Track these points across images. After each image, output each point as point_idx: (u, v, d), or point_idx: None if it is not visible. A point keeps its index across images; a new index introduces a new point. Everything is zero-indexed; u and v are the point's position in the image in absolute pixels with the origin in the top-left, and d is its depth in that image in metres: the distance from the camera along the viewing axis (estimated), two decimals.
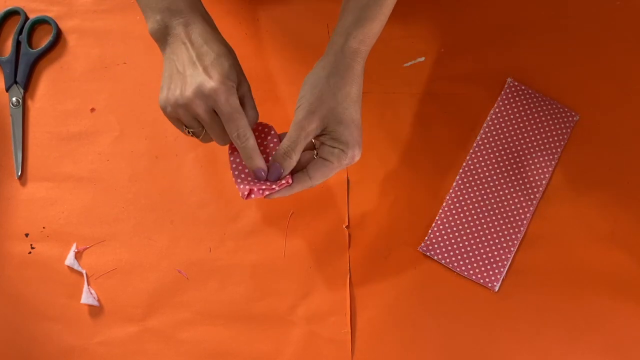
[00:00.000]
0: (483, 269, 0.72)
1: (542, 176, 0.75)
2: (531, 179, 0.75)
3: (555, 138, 0.76)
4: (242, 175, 0.62)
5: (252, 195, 0.60)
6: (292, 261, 0.74)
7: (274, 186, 0.60)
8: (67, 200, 0.76)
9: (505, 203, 0.74)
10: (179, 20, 0.60)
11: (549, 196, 0.75)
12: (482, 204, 0.74)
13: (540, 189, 0.75)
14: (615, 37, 0.80)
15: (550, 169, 0.75)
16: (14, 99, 0.79)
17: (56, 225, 0.75)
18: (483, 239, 0.73)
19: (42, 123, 0.78)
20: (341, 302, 0.73)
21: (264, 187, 0.60)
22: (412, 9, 0.81)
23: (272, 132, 0.63)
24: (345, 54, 0.61)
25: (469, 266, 0.72)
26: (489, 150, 0.76)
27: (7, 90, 0.79)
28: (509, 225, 0.74)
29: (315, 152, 0.62)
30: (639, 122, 0.77)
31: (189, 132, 0.61)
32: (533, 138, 0.76)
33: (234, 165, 0.62)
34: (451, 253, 0.73)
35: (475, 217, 0.74)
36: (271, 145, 0.62)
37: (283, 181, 0.60)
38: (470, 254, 0.73)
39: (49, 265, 0.74)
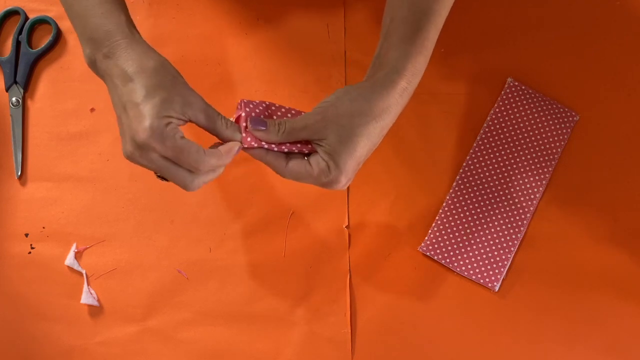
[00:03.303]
0: (483, 269, 0.72)
1: (542, 176, 0.75)
2: (531, 179, 0.75)
3: (555, 138, 0.76)
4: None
5: (242, 122, 0.57)
6: (292, 261, 0.74)
7: (248, 140, 0.56)
8: (67, 200, 0.76)
9: (505, 203, 0.74)
10: (102, 53, 0.54)
11: (549, 196, 0.75)
12: (482, 204, 0.74)
13: (541, 189, 0.75)
14: (615, 37, 0.80)
15: (550, 169, 0.75)
16: (13, 99, 0.79)
17: (56, 225, 0.75)
18: (483, 239, 0.73)
19: (42, 123, 0.78)
20: (341, 302, 0.73)
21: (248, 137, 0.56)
22: None
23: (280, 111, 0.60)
24: (385, 87, 0.56)
25: (469, 266, 0.72)
26: (489, 150, 0.76)
27: (7, 90, 0.79)
28: (509, 225, 0.74)
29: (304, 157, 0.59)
30: (639, 122, 0.77)
31: (158, 177, 0.57)
32: (533, 138, 0.76)
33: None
34: (451, 253, 0.73)
35: (475, 217, 0.74)
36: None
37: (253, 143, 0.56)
38: (470, 254, 0.73)
39: (49, 265, 0.74)
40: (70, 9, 0.56)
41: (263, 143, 0.57)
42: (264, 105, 0.59)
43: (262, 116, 0.58)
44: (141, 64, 0.53)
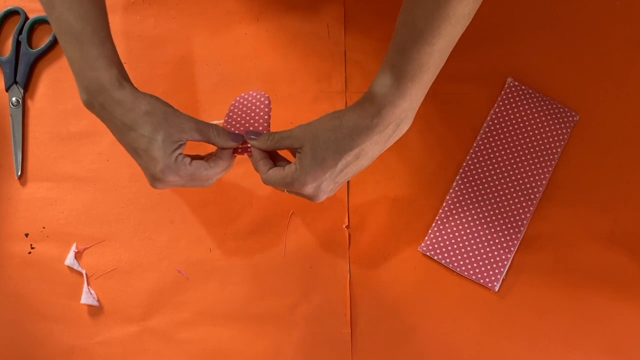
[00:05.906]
0: (483, 269, 0.72)
1: (542, 176, 0.75)
2: (531, 179, 0.75)
3: (555, 138, 0.76)
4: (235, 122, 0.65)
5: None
6: (292, 261, 0.74)
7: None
8: (67, 200, 0.76)
9: (505, 203, 0.74)
10: (98, 102, 0.59)
11: (549, 196, 0.75)
12: (482, 204, 0.74)
13: (541, 189, 0.75)
14: (616, 37, 0.80)
15: (550, 169, 0.75)
16: (13, 99, 0.79)
17: (56, 225, 0.75)
18: (483, 239, 0.73)
19: (42, 123, 0.78)
20: (341, 302, 0.73)
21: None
22: None
23: (265, 111, 0.65)
24: (355, 110, 0.57)
25: (469, 266, 0.72)
26: (489, 150, 0.76)
27: (7, 90, 0.79)
28: (509, 225, 0.74)
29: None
30: (639, 122, 0.77)
31: None
32: (533, 138, 0.76)
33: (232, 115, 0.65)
34: (451, 253, 0.73)
35: (475, 217, 0.74)
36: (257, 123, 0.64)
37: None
38: (470, 254, 0.73)
39: (49, 265, 0.74)
40: (66, 52, 0.60)
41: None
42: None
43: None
44: (135, 113, 0.59)
